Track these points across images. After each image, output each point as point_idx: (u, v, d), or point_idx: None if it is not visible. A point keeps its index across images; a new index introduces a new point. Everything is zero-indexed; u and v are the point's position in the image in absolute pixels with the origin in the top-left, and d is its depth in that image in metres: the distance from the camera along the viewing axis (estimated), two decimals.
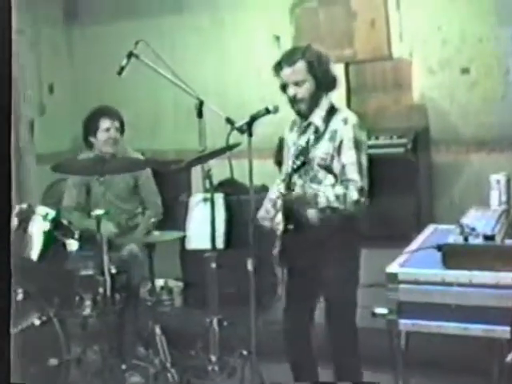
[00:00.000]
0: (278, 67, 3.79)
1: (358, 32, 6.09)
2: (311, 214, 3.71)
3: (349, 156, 3.65)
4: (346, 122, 3.71)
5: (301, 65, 3.73)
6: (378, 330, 3.31)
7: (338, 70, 5.79)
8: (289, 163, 3.78)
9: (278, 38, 6.33)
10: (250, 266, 3.58)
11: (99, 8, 6.89)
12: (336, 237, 3.68)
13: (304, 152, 3.66)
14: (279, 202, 3.72)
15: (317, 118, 3.76)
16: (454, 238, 3.17)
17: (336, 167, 3.68)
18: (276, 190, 3.70)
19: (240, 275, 3.79)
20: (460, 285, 2.99)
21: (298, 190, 3.59)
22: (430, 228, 3.98)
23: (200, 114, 4.38)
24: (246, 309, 3.66)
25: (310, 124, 3.79)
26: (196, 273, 5.31)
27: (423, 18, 5.87)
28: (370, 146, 5.33)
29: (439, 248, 3.09)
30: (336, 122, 3.73)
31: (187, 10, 6.64)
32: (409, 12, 5.92)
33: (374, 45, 6.05)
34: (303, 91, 3.74)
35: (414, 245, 3.57)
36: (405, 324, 3.10)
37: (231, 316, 4.44)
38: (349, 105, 5.92)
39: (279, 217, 3.71)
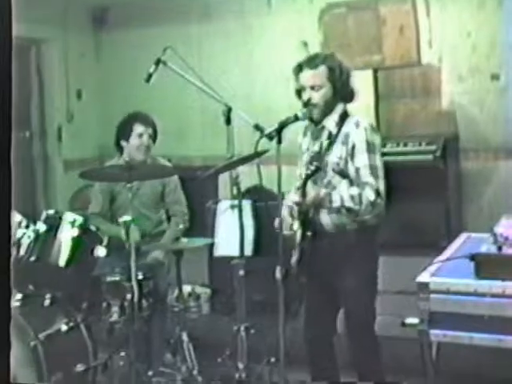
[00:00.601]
0: (298, 69, 3.78)
1: (386, 38, 6.06)
2: (326, 220, 3.70)
3: (362, 159, 3.63)
4: (357, 125, 3.69)
5: (322, 69, 3.72)
6: (408, 339, 3.27)
7: (366, 75, 5.89)
8: (302, 170, 3.76)
9: (305, 44, 6.30)
10: (278, 273, 3.55)
11: (127, 14, 6.90)
12: (352, 245, 3.67)
13: (317, 158, 3.64)
14: (295, 210, 3.71)
15: (330, 122, 3.75)
16: (487, 248, 3.13)
17: (350, 171, 3.65)
18: (291, 198, 3.68)
19: (268, 282, 3.78)
20: (493, 295, 2.95)
21: (311, 195, 3.59)
22: (463, 236, 3.93)
23: (228, 121, 4.35)
24: (273, 316, 3.63)
25: (323, 128, 3.77)
26: (224, 279, 5.29)
27: (452, 24, 5.83)
28: (399, 153, 5.38)
29: (472, 257, 3.05)
30: (348, 126, 3.71)
31: (215, 16, 6.64)
32: (438, 18, 5.88)
33: (403, 51, 6.01)
34: (319, 96, 3.72)
35: (446, 253, 3.53)
36: (436, 335, 3.06)
37: (259, 323, 4.41)
38: (377, 111, 5.90)
39: (296, 224, 3.69)
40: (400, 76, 6.03)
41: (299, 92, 3.80)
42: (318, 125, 3.79)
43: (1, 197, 1.78)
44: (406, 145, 5.44)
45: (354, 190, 3.59)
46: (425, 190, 5.31)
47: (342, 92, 3.76)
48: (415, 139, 5.46)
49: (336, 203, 3.60)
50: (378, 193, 3.58)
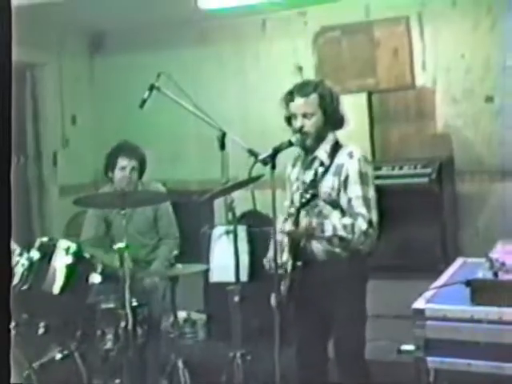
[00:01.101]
0: (289, 97, 3.78)
1: (380, 61, 6.06)
2: (317, 248, 3.69)
3: (355, 190, 3.63)
4: (351, 155, 3.69)
5: (314, 97, 3.73)
6: (406, 364, 3.23)
7: (360, 99, 5.88)
8: (294, 198, 3.76)
9: (300, 69, 6.31)
10: (273, 301, 3.53)
11: (123, 40, 6.91)
12: (343, 272, 3.65)
13: (312, 186, 3.61)
14: (285, 240, 3.70)
15: (322, 152, 3.75)
16: (483, 273, 3.10)
17: (343, 201, 3.66)
18: (283, 227, 3.66)
19: (264, 308, 3.75)
20: (490, 322, 2.91)
21: (303, 224, 3.58)
22: (459, 261, 3.91)
23: (222, 146, 4.35)
24: (269, 342, 3.60)
25: (314, 158, 3.77)
26: (219, 305, 5.27)
27: (446, 46, 5.83)
28: (394, 176, 5.35)
29: (468, 283, 3.02)
30: (341, 157, 3.71)
31: (209, 41, 6.64)
32: (432, 40, 5.88)
33: (397, 74, 6.01)
34: (310, 124, 3.72)
35: (442, 278, 3.50)
36: (433, 361, 3.03)
37: (255, 350, 4.38)
38: (372, 134, 5.88)
39: (286, 254, 3.67)
40: (394, 99, 6.02)
41: (289, 119, 3.80)
42: (309, 154, 3.79)
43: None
44: (401, 168, 5.42)
45: (347, 220, 3.60)
46: (420, 213, 5.28)
47: (332, 119, 3.77)
48: (410, 162, 5.44)
49: (328, 232, 3.60)
50: (370, 223, 3.59)
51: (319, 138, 3.75)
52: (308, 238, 3.66)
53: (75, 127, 7.02)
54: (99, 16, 6.13)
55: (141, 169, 5.06)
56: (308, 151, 3.79)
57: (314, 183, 3.61)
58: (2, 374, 1.70)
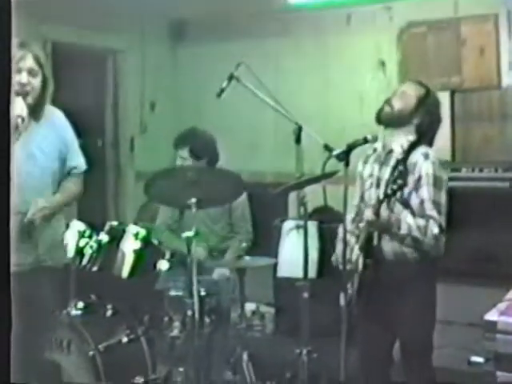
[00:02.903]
0: None
1: (466, 59, 5.92)
2: (387, 247, 3.63)
3: (427, 192, 3.56)
4: (426, 156, 3.62)
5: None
6: (477, 374, 3.13)
7: (442, 97, 5.75)
8: (365, 196, 3.75)
9: (383, 64, 6.21)
10: (342, 300, 3.48)
11: (204, 28, 6.91)
12: (413, 274, 3.59)
13: (399, 176, 3.51)
14: (353, 240, 3.66)
15: (397, 147, 3.65)
16: None
17: (413, 202, 3.58)
18: (366, 214, 3.59)
19: (332, 306, 3.70)
20: None
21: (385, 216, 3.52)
22: None
23: (298, 140, 4.30)
24: (336, 341, 3.56)
25: (390, 152, 3.69)
26: (288, 300, 5.22)
27: None
28: (473, 179, 5.21)
29: None
30: (416, 156, 3.62)
31: (292, 32, 6.59)
32: None
33: (483, 73, 5.87)
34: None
35: None
36: (503, 376, 2.91)
37: (321, 348, 4.32)
38: (453, 134, 5.75)
39: (357, 250, 3.61)
40: (478, 99, 5.88)
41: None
42: (386, 149, 3.72)
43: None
44: (481, 170, 5.28)
45: (421, 221, 3.53)
46: (499, 219, 5.13)
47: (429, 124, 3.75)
48: (491, 165, 5.29)
49: (404, 231, 3.52)
50: (441, 228, 3.52)
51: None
52: (385, 231, 3.58)
53: (154, 114, 7.07)
54: (181, 4, 6.15)
55: (196, 156, 5.00)
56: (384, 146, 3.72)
57: (396, 176, 3.47)
58: (2, 373, 1.70)
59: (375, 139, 3.64)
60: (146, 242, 4.40)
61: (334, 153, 3.61)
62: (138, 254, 4.36)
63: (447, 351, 3.74)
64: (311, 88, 6.53)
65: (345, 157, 3.50)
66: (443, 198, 3.58)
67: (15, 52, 3.11)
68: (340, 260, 3.61)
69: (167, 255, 4.42)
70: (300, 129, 4.30)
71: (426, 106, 3.72)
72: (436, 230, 3.50)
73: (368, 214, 3.52)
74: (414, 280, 3.58)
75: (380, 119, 3.72)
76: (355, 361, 3.74)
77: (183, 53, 7.20)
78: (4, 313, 1.70)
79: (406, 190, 3.54)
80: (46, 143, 3.50)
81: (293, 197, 5.45)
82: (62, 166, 3.62)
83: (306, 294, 4.33)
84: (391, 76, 6.18)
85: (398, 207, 3.57)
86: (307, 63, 6.61)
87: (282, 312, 5.69)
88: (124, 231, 4.39)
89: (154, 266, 4.40)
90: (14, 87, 3.09)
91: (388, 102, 3.74)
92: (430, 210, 3.53)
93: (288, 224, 5.50)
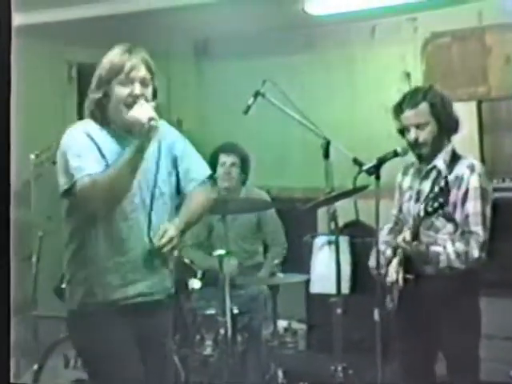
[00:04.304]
0: (399, 109, 3.65)
1: (492, 68, 5.87)
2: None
3: (474, 206, 3.48)
4: (472, 169, 3.54)
5: (424, 106, 3.59)
6: None
7: (470, 108, 5.72)
8: (404, 208, 3.68)
9: (408, 75, 6.18)
10: (376, 315, 3.44)
11: (229, 45, 6.92)
12: (455, 288, 3.50)
13: (436, 196, 3.47)
14: (388, 252, 3.61)
15: (440, 162, 3.60)
16: None
17: (458, 216, 3.51)
18: (403, 235, 3.54)
19: (366, 322, 3.66)
20: None
21: (420, 245, 3.46)
22: None
23: (326, 155, 4.29)
24: (372, 357, 3.52)
25: (433, 168, 3.62)
26: (321, 316, 5.21)
27: None
28: (505, 189, 5.15)
29: None
30: (461, 169, 3.55)
31: (316, 46, 6.58)
32: None
33: (509, 81, 5.81)
34: (426, 134, 3.58)
35: None
36: None
37: (357, 364, 4.29)
38: (481, 145, 5.70)
39: (394, 266, 3.56)
40: (506, 108, 5.82)
41: (402, 131, 3.67)
42: (427, 164, 3.65)
43: None
44: None
45: (460, 247, 3.46)
46: None
47: (447, 125, 3.63)
48: None
49: (443, 263, 3.47)
50: (483, 247, 3.44)
51: (436, 147, 3.60)
52: (422, 262, 3.52)
53: (181, 131, 7.07)
54: (204, 22, 6.16)
55: (243, 167, 5.12)
56: (424, 160, 3.66)
57: (437, 193, 3.39)
58: (2, 373, 1.70)
59: (405, 152, 3.59)
60: (177, 261, 4.39)
61: (365, 167, 3.57)
62: None
63: (488, 365, 3.66)
64: (337, 101, 6.50)
65: (375, 171, 3.46)
66: (488, 211, 3.52)
67: (120, 59, 3.03)
68: (375, 273, 3.56)
69: (199, 274, 4.42)
70: (328, 143, 4.29)
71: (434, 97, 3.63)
72: (476, 254, 3.43)
73: (406, 235, 3.48)
74: (457, 294, 3.50)
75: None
76: (393, 377, 3.68)
77: (208, 70, 7.21)
78: (4, 313, 1.71)
79: (451, 202, 3.47)
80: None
81: (322, 212, 5.42)
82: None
83: (339, 310, 4.31)
84: None
85: (440, 221, 3.51)
86: (332, 77, 6.58)
87: (315, 328, 5.65)
88: None
89: (186, 286, 4.40)
90: (126, 100, 2.95)
91: None
92: (475, 226, 3.45)
93: (319, 240, 5.48)
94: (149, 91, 3.01)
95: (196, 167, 3.25)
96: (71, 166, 2.87)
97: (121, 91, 2.95)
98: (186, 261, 4.48)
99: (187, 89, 7.23)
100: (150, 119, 2.84)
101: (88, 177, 2.83)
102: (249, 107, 4.59)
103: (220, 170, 5.05)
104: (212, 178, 3.34)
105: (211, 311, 4.42)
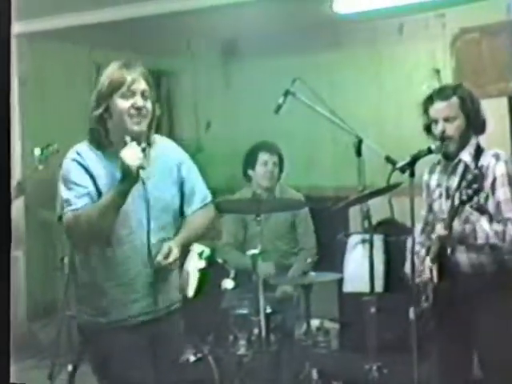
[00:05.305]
0: (429, 102, 3.63)
1: None
2: (462, 259, 3.52)
3: (504, 193, 3.45)
4: (497, 158, 3.51)
5: (454, 100, 3.57)
6: None
7: (500, 103, 5.66)
8: (434, 206, 3.65)
9: (437, 72, 6.14)
10: (411, 314, 3.41)
11: (256, 45, 6.91)
12: (491, 287, 3.46)
13: (473, 181, 3.41)
14: (423, 251, 3.58)
15: (466, 154, 3.56)
16: None
17: (490, 206, 3.47)
18: (436, 231, 3.51)
19: (400, 321, 3.63)
20: None
21: (458, 229, 3.42)
22: None
23: (359, 153, 4.27)
24: (406, 357, 3.49)
25: (459, 162, 3.59)
26: (354, 315, 5.17)
27: None
28: None
29: None
30: (486, 159, 3.52)
31: (345, 44, 6.57)
32: None
33: None
34: (453, 128, 3.55)
35: None
36: None
37: (391, 363, 4.26)
38: None
39: (429, 263, 3.53)
40: None
41: (428, 126, 3.65)
42: (453, 159, 3.63)
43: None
44: None
45: (498, 226, 3.41)
46: None
47: (475, 122, 3.60)
48: None
49: (481, 240, 3.42)
50: None
51: (462, 143, 3.58)
52: (460, 243, 3.49)
53: (210, 132, 7.09)
54: (232, 22, 6.16)
55: (280, 166, 5.09)
56: (450, 157, 3.63)
57: (471, 180, 3.32)
58: (2, 373, 1.71)
59: (439, 149, 3.56)
60: (211, 260, 4.39)
61: (399, 165, 3.54)
62: (203, 274, 4.35)
63: None
64: (367, 99, 6.49)
65: (409, 168, 3.44)
66: None
67: (119, 74, 3.04)
68: (410, 273, 3.54)
69: (232, 274, 4.42)
70: (360, 141, 4.27)
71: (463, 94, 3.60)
72: None
73: (439, 228, 3.44)
74: (492, 291, 3.46)
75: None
76: (429, 376, 3.65)
77: (236, 70, 7.22)
78: (4, 313, 1.72)
79: (481, 195, 3.44)
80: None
81: (353, 210, 5.40)
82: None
83: (373, 309, 4.29)
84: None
85: (474, 215, 3.49)
86: (361, 74, 6.58)
87: (347, 327, 5.62)
88: (188, 250, 4.39)
89: (219, 285, 4.40)
90: (129, 111, 2.97)
91: None
92: (508, 212, 3.42)
93: (353, 238, 5.44)
94: (148, 104, 3.04)
95: (200, 190, 3.34)
96: (62, 197, 2.98)
97: (123, 103, 2.97)
98: (220, 261, 4.48)
99: (215, 90, 7.24)
100: (139, 167, 2.87)
101: (72, 212, 2.92)
102: (280, 106, 4.58)
103: (261, 169, 5.00)
104: (212, 202, 3.43)
105: (244, 311, 4.42)
